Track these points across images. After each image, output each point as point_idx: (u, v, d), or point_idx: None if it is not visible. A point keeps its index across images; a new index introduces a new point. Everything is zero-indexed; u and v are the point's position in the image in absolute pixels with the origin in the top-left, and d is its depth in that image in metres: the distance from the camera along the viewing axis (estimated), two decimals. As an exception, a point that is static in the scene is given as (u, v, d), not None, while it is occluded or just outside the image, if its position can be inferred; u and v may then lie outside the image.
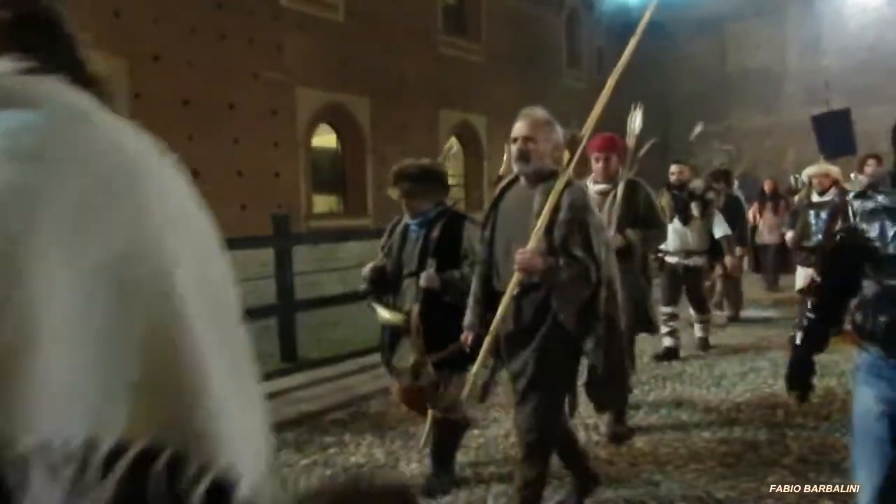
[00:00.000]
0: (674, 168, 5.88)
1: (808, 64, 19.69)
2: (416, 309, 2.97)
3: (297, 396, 4.65)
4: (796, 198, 7.05)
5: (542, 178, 2.62)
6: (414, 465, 3.54)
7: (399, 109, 15.36)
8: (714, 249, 5.87)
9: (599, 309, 2.48)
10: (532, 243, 2.44)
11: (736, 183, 11.06)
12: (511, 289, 2.49)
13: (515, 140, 2.67)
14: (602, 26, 23.01)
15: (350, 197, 15.50)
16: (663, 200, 5.56)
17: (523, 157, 2.62)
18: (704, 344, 6.00)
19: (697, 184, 5.94)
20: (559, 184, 2.52)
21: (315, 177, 14.47)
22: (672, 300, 5.80)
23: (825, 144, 7.16)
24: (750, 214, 8.96)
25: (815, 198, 5.93)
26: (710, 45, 22.12)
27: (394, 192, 3.17)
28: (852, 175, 8.85)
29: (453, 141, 15.32)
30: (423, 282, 2.99)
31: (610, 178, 3.94)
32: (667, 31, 22.71)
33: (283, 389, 4.78)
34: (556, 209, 2.48)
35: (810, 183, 6.03)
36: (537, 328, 2.56)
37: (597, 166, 3.96)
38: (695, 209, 5.68)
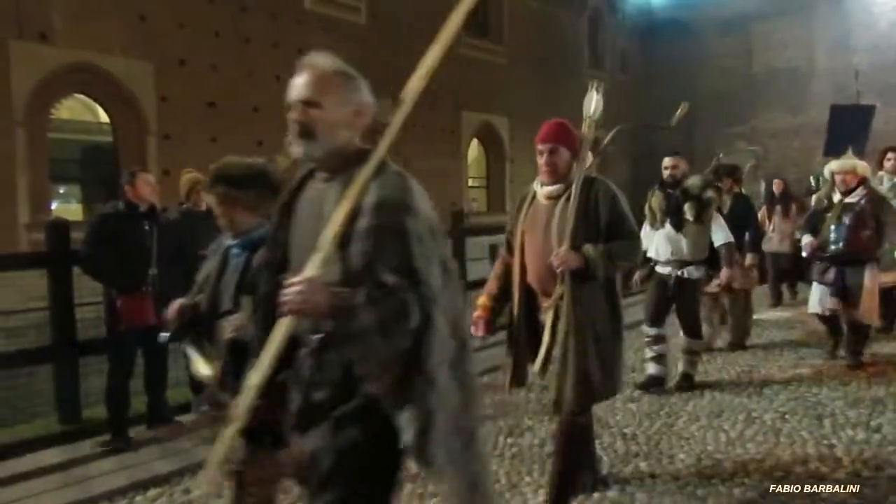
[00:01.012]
0: (667, 161, 4.87)
1: (836, 63, 19.27)
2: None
3: None
4: (814, 198, 5.97)
5: (343, 164, 1.73)
6: None
7: (421, 111, 15.27)
8: (713, 259, 4.83)
9: (429, 366, 1.56)
10: (311, 268, 1.53)
11: (763, 184, 10.65)
12: (276, 343, 1.54)
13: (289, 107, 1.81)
14: (625, 27, 22.78)
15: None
16: (654, 200, 4.82)
17: (305, 132, 1.73)
18: (687, 381, 4.81)
19: (694, 181, 4.76)
20: (364, 171, 1.65)
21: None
22: (658, 318, 4.82)
23: (833, 140, 6.43)
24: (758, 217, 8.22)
25: (838, 198, 5.13)
26: (736, 45, 21.75)
27: (209, 198, 2.45)
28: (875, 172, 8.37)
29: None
30: (228, 330, 2.14)
31: (559, 176, 2.93)
32: (692, 32, 22.42)
33: None
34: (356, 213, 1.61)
35: (833, 181, 5.16)
36: (337, 404, 1.63)
37: (541, 161, 2.98)
38: (689, 211, 4.65)
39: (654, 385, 4.74)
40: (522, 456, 3.62)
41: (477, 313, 3.06)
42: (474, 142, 17.52)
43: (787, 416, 4.12)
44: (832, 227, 5.01)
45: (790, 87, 20.04)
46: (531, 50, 18.55)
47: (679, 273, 4.70)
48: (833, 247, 4.99)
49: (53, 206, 9.92)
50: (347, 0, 14.11)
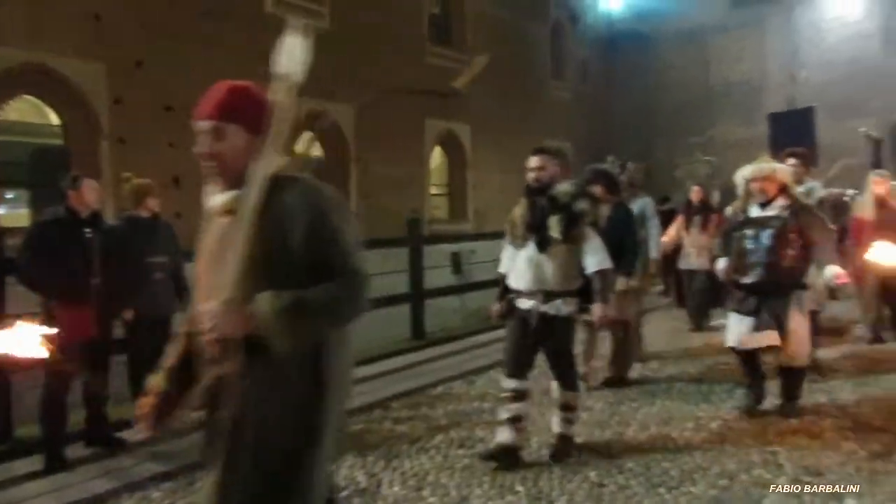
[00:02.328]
0: (534, 161, 3.68)
1: (786, 77, 19.91)
2: None
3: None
4: (728, 210, 4.74)
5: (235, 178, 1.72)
6: (396, 489, 3.41)
7: (383, 118, 15.27)
8: (588, 289, 3.68)
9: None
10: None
11: (718, 194, 10.66)
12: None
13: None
14: (586, 38, 23.13)
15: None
16: (517, 210, 3.75)
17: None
18: (565, 446, 3.76)
19: (565, 188, 3.66)
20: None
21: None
22: (518, 368, 3.65)
23: (778, 148, 6.01)
24: (673, 230, 7.32)
25: (755, 211, 4.22)
26: (694, 57, 22.29)
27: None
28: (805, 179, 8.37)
29: None
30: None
31: (231, 177, 1.83)
32: (651, 43, 22.91)
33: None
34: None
35: (748, 190, 4.27)
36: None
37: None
38: (554, 226, 3.54)
39: (504, 457, 3.60)
40: (473, 468, 3.62)
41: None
42: (437, 149, 17.55)
43: (731, 425, 4.21)
44: (749, 246, 4.11)
45: (745, 99, 20.57)
46: (494, 59, 18.63)
47: (544, 308, 3.57)
48: (751, 271, 4.12)
49: (0, 210, 9.58)
50: (311, 4, 14.02)
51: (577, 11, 22.64)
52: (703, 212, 7.45)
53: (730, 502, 3.13)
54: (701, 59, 22.07)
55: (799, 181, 4.87)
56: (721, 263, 4.37)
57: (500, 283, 3.83)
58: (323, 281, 1.63)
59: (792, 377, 4.29)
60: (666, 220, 7.21)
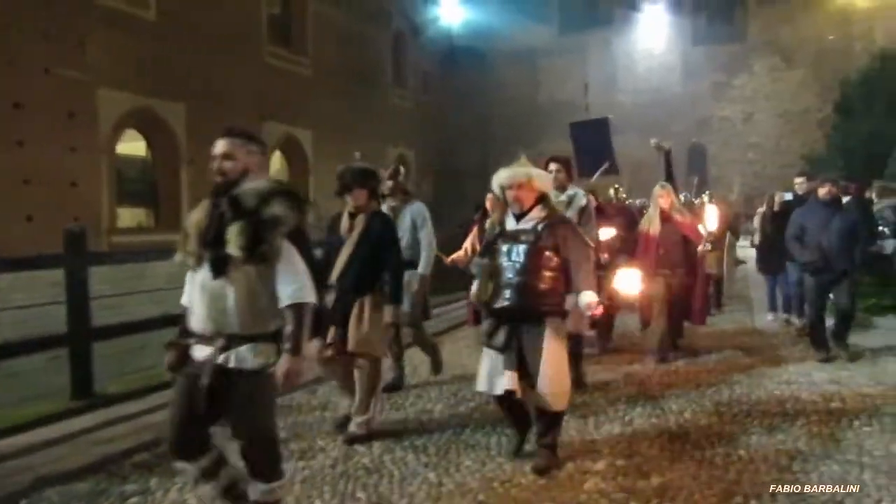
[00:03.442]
0: (219, 146, 2.66)
1: (605, 99, 21.98)
2: None
3: (92, 438, 4.09)
4: (487, 222, 3.98)
5: None
6: (232, 507, 3.23)
7: (219, 118, 14.49)
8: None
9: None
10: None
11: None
12: None
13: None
14: (427, 50, 23.78)
15: (162, 210, 14.29)
16: (193, 216, 2.68)
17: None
18: None
19: (255, 185, 2.60)
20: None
21: (120, 187, 13.17)
22: (186, 448, 2.61)
23: (584, 158, 6.04)
24: (468, 242, 6.39)
25: (510, 223, 3.55)
26: (525, 77, 23.86)
27: None
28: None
29: None
30: None
31: None
32: (487, 60, 24.13)
33: (76, 431, 4.18)
34: None
35: (505, 199, 3.56)
36: None
37: None
38: (234, 240, 2.49)
39: None
40: (314, 479, 3.55)
41: None
42: (276, 154, 17.02)
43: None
44: (501, 264, 3.45)
45: (569, 117, 22.37)
46: (337, 63, 18.56)
47: (221, 359, 2.53)
48: (502, 294, 3.42)
49: None
50: (133, -8, 12.96)
51: (418, 24, 23.22)
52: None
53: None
54: (531, 79, 23.67)
55: (561, 188, 4.66)
56: (475, 286, 3.58)
57: (179, 320, 2.75)
58: None
59: (546, 422, 3.54)
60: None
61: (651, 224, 6.07)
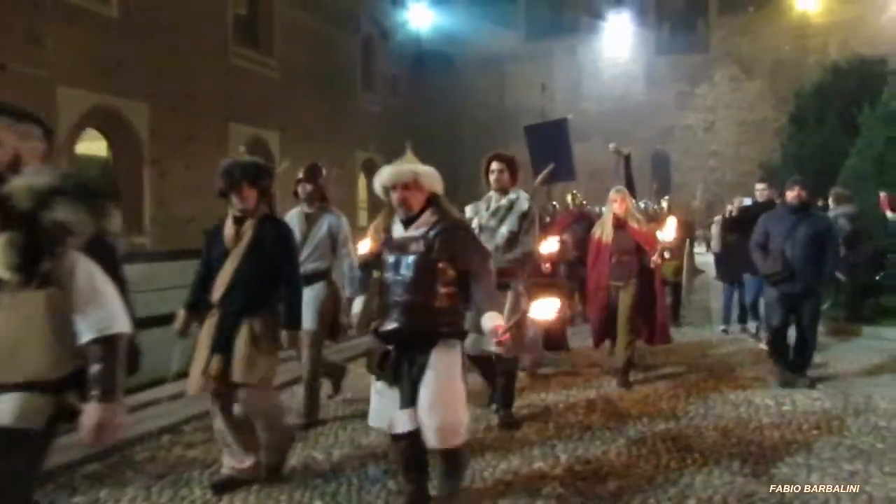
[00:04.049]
0: None
1: (570, 106, 22.27)
2: None
3: None
4: (371, 228, 3.46)
5: None
6: (187, 518, 3.18)
7: (184, 119, 14.30)
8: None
9: None
10: None
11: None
12: None
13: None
14: (396, 54, 23.78)
15: (124, 212, 13.97)
16: None
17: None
18: None
19: (28, 180, 1.90)
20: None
21: (79, 188, 12.84)
22: None
23: (538, 161, 5.79)
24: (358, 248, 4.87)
25: (398, 230, 2.99)
26: (493, 82, 24.04)
27: None
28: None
29: None
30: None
31: None
32: (456, 65, 24.23)
33: None
34: None
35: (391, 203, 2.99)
36: None
37: None
38: (4, 256, 1.83)
39: None
40: (271, 488, 3.52)
41: None
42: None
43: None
44: (390, 279, 2.88)
45: (535, 122, 22.73)
46: (305, 66, 18.44)
47: None
48: (389, 315, 2.85)
49: None
50: (94, -11, 12.70)
51: (387, 28, 23.23)
52: None
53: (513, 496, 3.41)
54: (498, 85, 23.85)
55: (503, 190, 4.36)
56: (356, 306, 3.43)
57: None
58: None
59: (448, 463, 2.94)
60: None
61: (604, 230, 5.61)
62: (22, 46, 11.18)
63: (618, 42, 24.39)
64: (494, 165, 4.37)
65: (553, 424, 4.51)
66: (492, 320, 2.80)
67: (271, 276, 3.35)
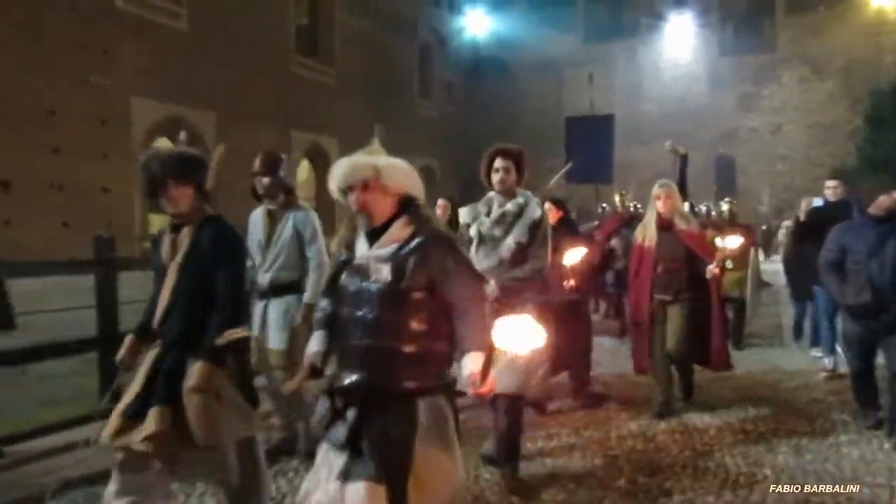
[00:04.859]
0: None
1: (631, 109, 21.87)
2: None
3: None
4: (333, 243, 4.05)
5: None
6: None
7: (248, 127, 14.77)
8: None
9: None
10: None
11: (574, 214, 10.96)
12: None
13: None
14: (452, 61, 23.92)
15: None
16: None
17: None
18: None
19: None
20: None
21: (151, 194, 13.45)
22: None
23: (576, 163, 5.14)
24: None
25: (361, 247, 2.30)
26: (549, 87, 23.83)
27: None
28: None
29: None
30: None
31: None
32: (512, 71, 24.18)
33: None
34: None
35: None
36: None
37: None
38: None
39: None
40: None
41: None
42: (304, 162, 17.24)
43: (580, 431, 4.51)
44: (348, 315, 2.16)
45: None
46: (362, 73, 18.76)
47: None
48: (348, 361, 2.16)
49: None
50: (166, 4, 13.28)
51: (444, 35, 23.41)
52: None
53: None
54: (555, 89, 23.63)
55: (509, 193, 3.51)
56: (312, 343, 2.25)
57: None
58: None
59: None
60: None
61: (646, 234, 4.64)
62: (100, 60, 11.79)
63: (679, 43, 23.82)
64: (499, 163, 3.52)
65: (616, 434, 4.41)
66: (470, 365, 2.02)
67: (210, 290, 2.55)
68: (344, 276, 2.22)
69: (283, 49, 16.40)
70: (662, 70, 23.94)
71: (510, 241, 3.43)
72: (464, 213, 3.65)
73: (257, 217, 3.91)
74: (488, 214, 3.54)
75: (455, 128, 23.27)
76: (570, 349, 4.70)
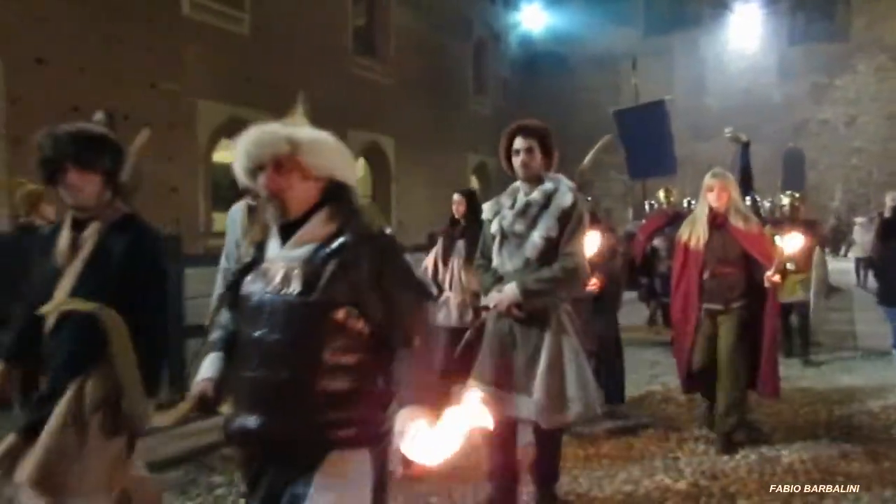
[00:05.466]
0: None
1: (692, 102, 21.18)
2: None
3: (183, 431, 4.32)
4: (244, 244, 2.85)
5: None
6: None
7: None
8: None
9: None
10: None
11: (631, 212, 10.75)
12: None
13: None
14: (507, 57, 23.76)
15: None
16: None
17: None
18: None
19: None
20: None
21: (216, 194, 13.89)
22: None
23: (634, 155, 4.57)
24: (430, 260, 4.52)
25: (273, 248, 1.76)
26: (606, 80, 23.33)
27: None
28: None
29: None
30: None
31: None
32: (568, 65, 23.82)
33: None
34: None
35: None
36: None
37: None
38: None
39: None
40: None
41: None
42: (361, 161, 17.49)
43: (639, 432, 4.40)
44: (248, 337, 1.66)
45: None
46: (418, 72, 18.87)
47: None
48: (247, 399, 1.64)
49: None
50: (229, 10, 13.70)
51: (499, 31, 23.28)
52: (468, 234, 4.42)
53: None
54: (612, 83, 23.13)
55: (535, 179, 3.01)
56: (204, 369, 1.76)
57: None
58: None
59: None
60: None
61: (693, 232, 3.98)
62: (167, 65, 12.27)
63: (745, 33, 22.90)
64: (519, 142, 2.97)
65: (676, 436, 4.28)
66: (401, 420, 1.53)
67: (121, 311, 2.05)
68: (246, 283, 1.69)
69: (341, 50, 16.67)
70: (726, 62, 23.07)
71: (536, 238, 2.88)
72: (486, 208, 3.17)
73: (235, 213, 3.53)
74: (512, 207, 3.01)
75: (510, 123, 23.07)
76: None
